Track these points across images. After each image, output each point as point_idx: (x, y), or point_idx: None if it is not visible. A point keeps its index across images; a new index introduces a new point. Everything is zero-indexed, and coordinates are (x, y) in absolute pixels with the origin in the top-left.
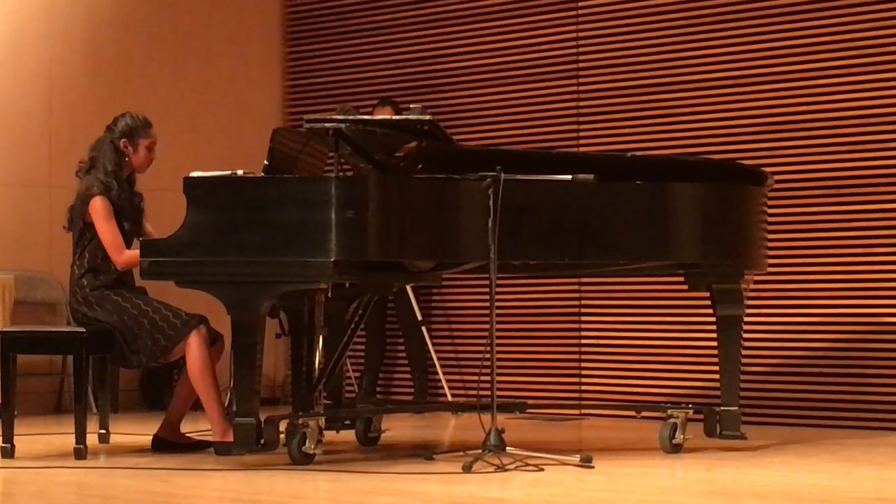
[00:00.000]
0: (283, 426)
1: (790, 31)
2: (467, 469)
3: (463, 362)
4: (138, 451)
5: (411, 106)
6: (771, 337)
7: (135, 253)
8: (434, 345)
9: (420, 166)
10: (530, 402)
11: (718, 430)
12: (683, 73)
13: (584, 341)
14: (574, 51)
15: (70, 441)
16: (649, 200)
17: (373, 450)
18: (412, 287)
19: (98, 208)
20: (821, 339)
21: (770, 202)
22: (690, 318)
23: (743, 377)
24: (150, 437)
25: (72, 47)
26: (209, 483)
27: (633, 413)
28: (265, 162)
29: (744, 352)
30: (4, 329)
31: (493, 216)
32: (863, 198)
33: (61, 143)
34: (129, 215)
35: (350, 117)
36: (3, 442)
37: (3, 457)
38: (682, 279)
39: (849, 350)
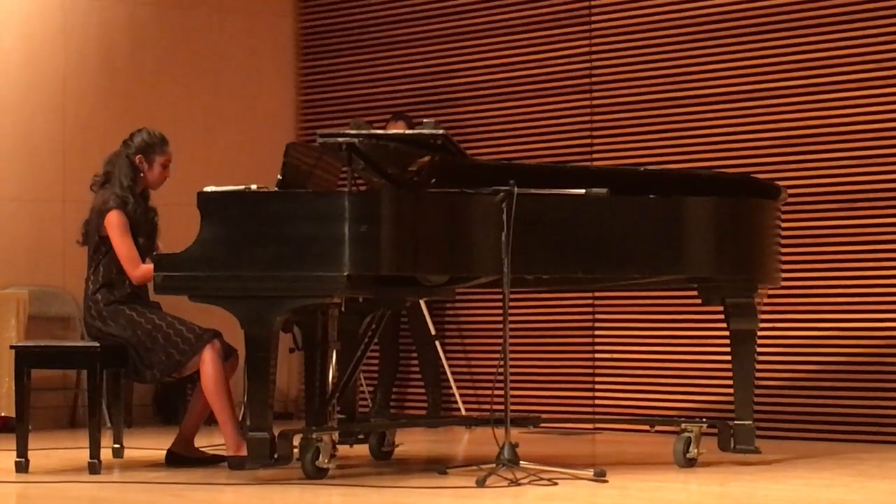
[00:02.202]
0: (296, 440)
1: (804, 46)
2: (481, 483)
3: (476, 376)
4: (152, 465)
5: (424, 120)
6: (785, 351)
7: (150, 267)
8: (447, 359)
9: (433, 181)
10: (544, 416)
11: (732, 445)
12: (697, 87)
13: (597, 355)
14: (587, 65)
15: (84, 456)
16: (663, 214)
17: (386, 464)
18: (425, 301)
19: (114, 222)
20: (835, 352)
21: (784, 216)
22: (704, 332)
23: (757, 391)
24: (164, 452)
25: (85, 64)
26: (222, 497)
27: (646, 427)
28: (279, 176)
29: (757, 366)
30: (18, 344)
31: (507, 230)
32: (877, 211)
33: (75, 158)
34: (143, 230)
35: (363, 132)
36: (18, 456)
37: (17, 471)
38: (695, 293)
39: (863, 364)
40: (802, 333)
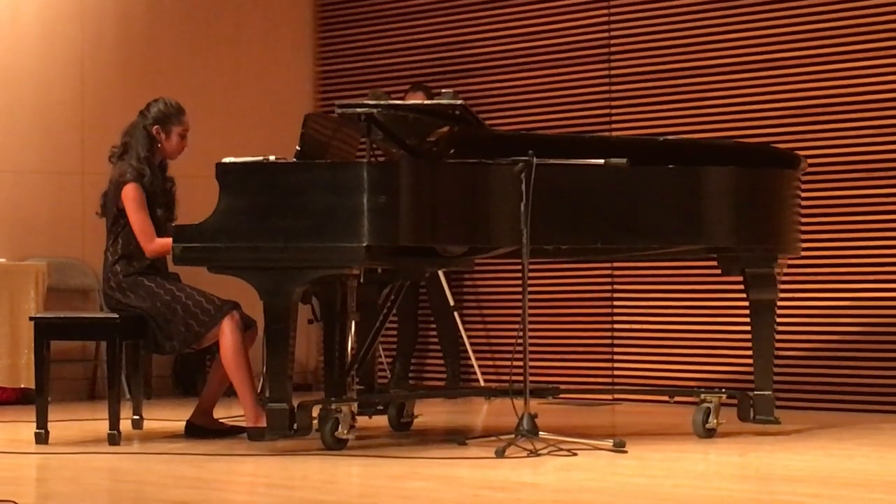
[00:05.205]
0: (315, 411)
1: (825, 14)
2: (500, 454)
3: (495, 347)
4: (171, 436)
5: (443, 91)
6: (804, 321)
7: (165, 241)
8: (466, 330)
9: (452, 151)
10: (563, 386)
11: (752, 415)
12: (716, 57)
13: (616, 326)
14: (605, 34)
15: (103, 427)
16: (682, 184)
17: (405, 435)
18: (444, 272)
19: (131, 196)
20: (854, 322)
21: (804, 185)
22: (724, 302)
23: (776, 361)
24: (184, 423)
25: (103, 35)
26: (242, 468)
27: (666, 398)
28: (297, 147)
29: (777, 336)
30: (38, 315)
31: (526, 201)
32: None
33: (94, 130)
34: (161, 201)
35: (382, 102)
36: (38, 428)
37: (37, 443)
38: (715, 263)
39: (882, 334)
40: (822, 303)
